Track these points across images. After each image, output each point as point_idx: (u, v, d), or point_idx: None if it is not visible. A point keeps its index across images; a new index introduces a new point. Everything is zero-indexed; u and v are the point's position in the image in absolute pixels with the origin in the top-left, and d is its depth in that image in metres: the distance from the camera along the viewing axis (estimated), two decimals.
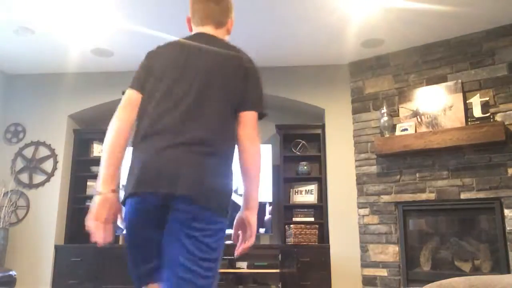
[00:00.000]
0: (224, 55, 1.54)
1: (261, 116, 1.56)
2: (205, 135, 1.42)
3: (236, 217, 1.57)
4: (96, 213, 1.40)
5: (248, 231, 1.53)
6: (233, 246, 1.59)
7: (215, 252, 1.38)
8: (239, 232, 1.57)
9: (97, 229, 1.39)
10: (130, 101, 1.53)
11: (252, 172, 1.49)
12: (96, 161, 5.09)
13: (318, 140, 4.84)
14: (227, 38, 1.71)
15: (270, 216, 4.68)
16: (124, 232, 1.44)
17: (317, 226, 4.52)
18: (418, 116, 4.10)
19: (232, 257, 3.93)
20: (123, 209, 1.45)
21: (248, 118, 1.51)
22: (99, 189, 1.42)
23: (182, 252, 1.33)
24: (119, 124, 1.48)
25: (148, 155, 1.40)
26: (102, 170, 1.44)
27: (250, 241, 1.53)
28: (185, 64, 1.52)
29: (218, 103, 1.48)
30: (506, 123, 3.65)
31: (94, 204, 1.41)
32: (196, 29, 1.66)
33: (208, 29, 1.64)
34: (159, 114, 1.45)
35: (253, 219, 1.53)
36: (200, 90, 1.47)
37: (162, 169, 1.37)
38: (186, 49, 1.56)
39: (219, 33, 1.65)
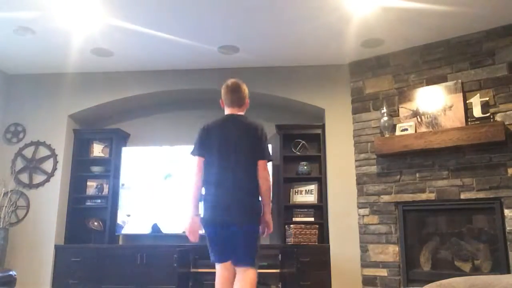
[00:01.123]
0: (247, 127, 2.66)
1: (269, 161, 2.67)
2: (245, 184, 2.56)
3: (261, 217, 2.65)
4: (190, 227, 2.59)
5: (267, 224, 2.65)
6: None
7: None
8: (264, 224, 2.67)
9: (191, 235, 2.59)
10: (199, 165, 2.60)
11: (266, 196, 2.62)
12: (96, 161, 5.10)
13: (318, 140, 4.84)
14: (245, 110, 2.79)
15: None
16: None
17: (317, 226, 4.52)
18: (418, 116, 4.10)
19: None
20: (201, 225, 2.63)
21: (262, 164, 2.61)
22: (191, 214, 2.57)
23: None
24: (196, 181, 2.58)
25: (215, 199, 2.57)
26: (191, 205, 2.57)
27: (269, 230, 2.66)
28: (227, 136, 2.61)
29: (248, 158, 2.59)
30: (506, 123, 3.65)
31: (189, 222, 2.58)
32: (227, 110, 2.75)
33: (235, 110, 2.73)
34: (217, 173, 2.57)
35: (267, 217, 2.65)
36: (237, 152, 2.57)
37: (225, 206, 2.54)
38: (226, 126, 2.66)
39: (241, 110, 2.75)
